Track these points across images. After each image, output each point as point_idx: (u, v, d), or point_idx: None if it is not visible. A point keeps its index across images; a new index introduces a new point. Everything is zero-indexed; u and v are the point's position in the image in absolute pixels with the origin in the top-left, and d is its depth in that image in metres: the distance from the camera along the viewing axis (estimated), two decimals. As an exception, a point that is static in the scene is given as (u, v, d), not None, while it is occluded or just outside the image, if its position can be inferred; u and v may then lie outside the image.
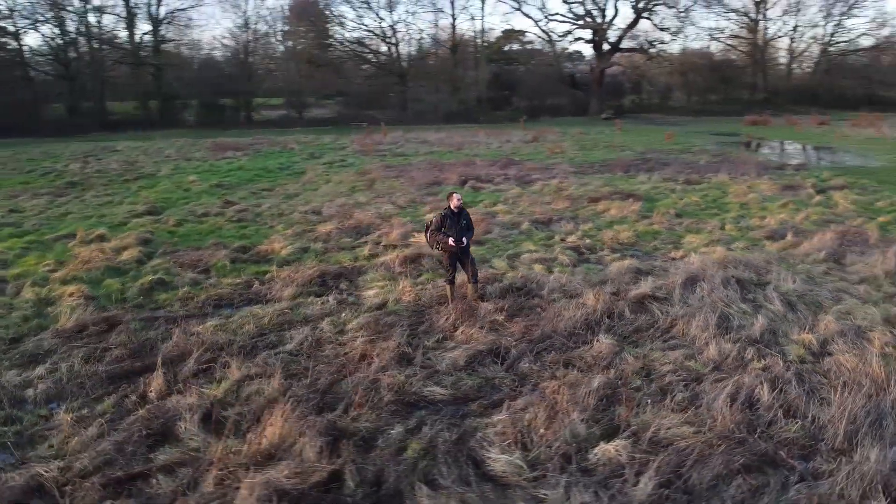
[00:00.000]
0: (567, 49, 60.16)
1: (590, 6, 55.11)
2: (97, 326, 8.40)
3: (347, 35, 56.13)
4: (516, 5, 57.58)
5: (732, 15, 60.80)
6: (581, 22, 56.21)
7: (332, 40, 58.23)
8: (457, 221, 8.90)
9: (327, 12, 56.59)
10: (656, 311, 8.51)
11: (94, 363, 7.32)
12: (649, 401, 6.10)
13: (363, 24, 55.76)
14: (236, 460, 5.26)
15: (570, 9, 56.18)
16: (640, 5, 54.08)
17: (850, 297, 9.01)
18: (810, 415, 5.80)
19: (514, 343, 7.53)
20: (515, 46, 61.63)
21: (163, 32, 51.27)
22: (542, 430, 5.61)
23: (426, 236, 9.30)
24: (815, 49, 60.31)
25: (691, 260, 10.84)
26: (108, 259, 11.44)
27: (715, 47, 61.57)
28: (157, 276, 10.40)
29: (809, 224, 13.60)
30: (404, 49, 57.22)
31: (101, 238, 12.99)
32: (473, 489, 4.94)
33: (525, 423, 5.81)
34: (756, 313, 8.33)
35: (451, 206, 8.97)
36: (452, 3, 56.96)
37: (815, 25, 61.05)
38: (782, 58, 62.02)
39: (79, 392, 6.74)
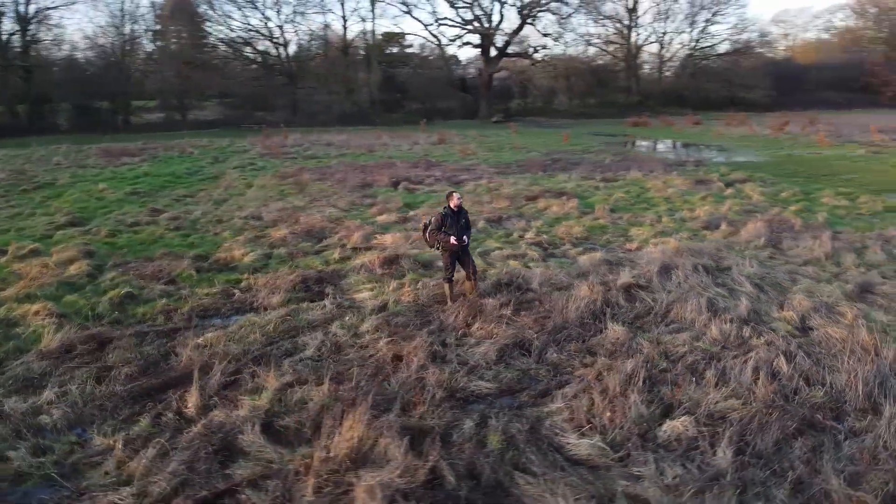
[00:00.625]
0: (456, 54, 61.19)
1: (477, 12, 56.51)
2: (86, 345, 7.80)
3: (231, 34, 54.01)
4: (405, 8, 57.89)
5: (608, 22, 64.54)
6: (469, 27, 57.51)
7: (213, 40, 55.97)
8: (457, 220, 9.04)
9: (208, 11, 54.22)
10: (646, 297, 9.08)
11: (107, 383, 6.82)
12: (693, 380, 6.57)
13: (249, 24, 53.73)
14: (326, 467, 5.16)
15: (458, 13, 57.35)
16: (525, 11, 56.12)
17: (803, 278, 10.05)
18: (828, 381, 6.49)
19: (535, 335, 7.80)
20: (395, 49, 62.06)
21: (32, 32, 47.05)
22: (608, 414, 5.92)
23: (425, 236, 9.36)
24: (682, 54, 65.30)
25: (650, 250, 11.60)
26: (56, 274, 10.55)
27: (593, 52, 65.07)
28: (125, 290, 9.74)
29: (734, 214, 14.88)
30: (293, 49, 56.04)
31: (36, 252, 11.93)
32: (570, 472, 5.15)
33: (585, 409, 6.09)
34: (734, 295, 9.11)
35: (451, 205, 9.10)
36: (343, 4, 56.33)
37: (682, 32, 66.03)
38: (653, 62, 66.59)
39: (102, 414, 6.28)
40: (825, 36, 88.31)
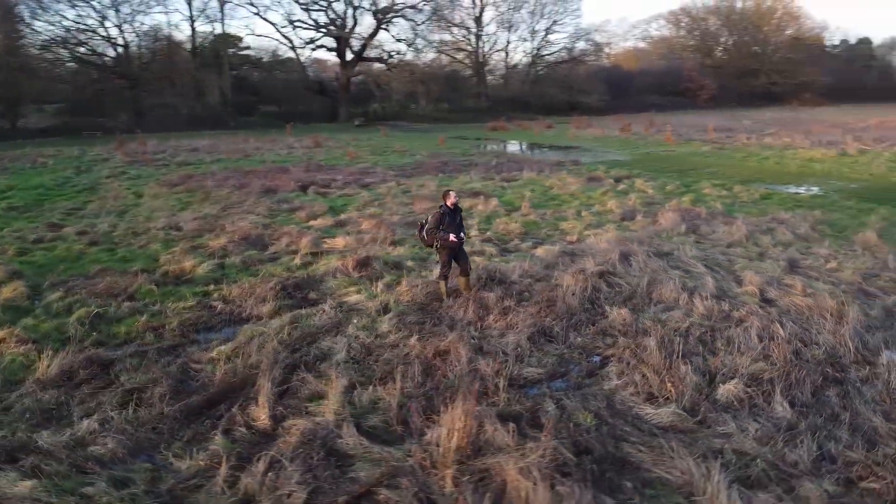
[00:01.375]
0: (313, 57, 60.26)
1: (332, 15, 56.03)
2: (88, 369, 7.13)
3: (62, 34, 49.11)
4: (255, 10, 55.97)
5: (456, 30, 66.70)
6: (324, 30, 56.87)
7: (37, 40, 50.59)
8: (454, 218, 9.27)
9: (32, 9, 48.89)
10: (621, 282, 9.87)
11: (147, 406, 6.33)
12: (721, 348, 7.37)
13: (81, 23, 49.14)
14: (451, 457, 5.27)
15: (311, 16, 56.50)
16: (380, 16, 56.55)
17: (736, 258, 11.40)
18: (819, 342, 7.56)
19: (552, 323, 8.26)
20: (247, 51, 60.01)
21: None
22: (668, 385, 6.50)
23: (421, 235, 9.48)
24: (526, 62, 69.09)
25: (593, 241, 12.52)
26: (-8, 298, 9.39)
27: (445, 59, 66.91)
28: (92, 310, 8.90)
29: (641, 206, 16.33)
30: (136, 51, 52.10)
31: (-55, 276, 10.47)
32: (666, 437, 5.66)
33: (641, 383, 6.65)
34: (693, 276, 10.17)
35: (448, 204, 9.31)
36: (190, 4, 53.13)
37: (525, 40, 69.77)
38: (500, 69, 69.84)
39: (160, 437, 5.87)
40: (642, 44, 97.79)
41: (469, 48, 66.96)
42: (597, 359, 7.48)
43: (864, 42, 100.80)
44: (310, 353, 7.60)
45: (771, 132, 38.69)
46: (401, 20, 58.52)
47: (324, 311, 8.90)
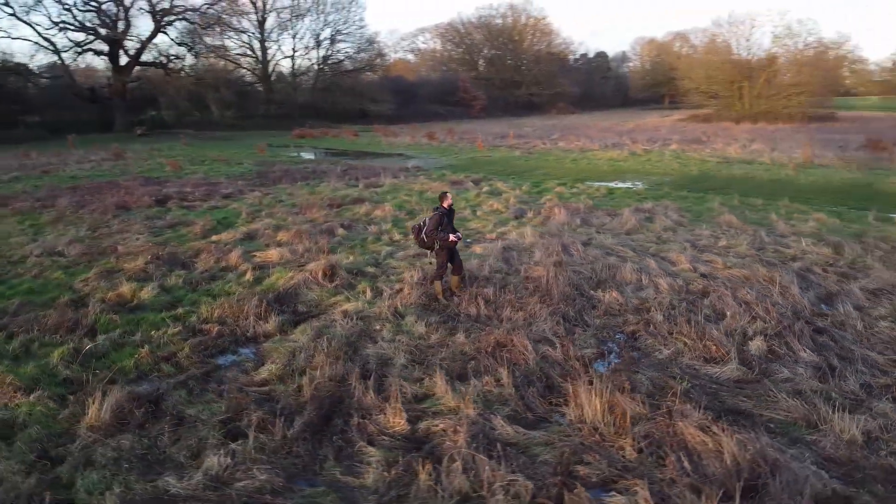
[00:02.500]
0: (76, 61, 53.78)
1: (104, 17, 50.60)
2: (142, 408, 6.34)
3: None
4: (10, 10, 48.25)
5: (240, 35, 64.01)
6: (94, 33, 51.11)
7: None
8: (451, 220, 9.56)
9: None
10: (581, 270, 10.93)
11: (268, 434, 5.89)
12: (715, 314, 8.66)
13: None
14: (612, 430, 5.78)
15: (76, 17, 50.48)
16: (159, 18, 52.37)
17: (645, 243, 13.09)
18: (780, 302, 9.21)
19: (566, 308, 9.00)
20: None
21: None
22: (713, 348, 7.59)
23: (420, 237, 9.60)
24: (314, 69, 68.56)
25: (516, 237, 13.50)
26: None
27: (231, 65, 63.80)
28: (68, 346, 7.74)
29: (521, 204, 17.69)
30: None
31: None
32: (749, 387, 6.71)
33: (687, 349, 7.67)
34: (632, 259, 11.56)
35: (445, 206, 9.57)
36: None
37: (310, 48, 69.23)
38: (288, 77, 68.40)
39: (302, 461, 5.59)
40: (410, 57, 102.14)
41: (254, 55, 64.77)
42: (621, 336, 8.37)
43: (601, 56, 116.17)
44: (367, 360, 7.49)
45: (555, 137, 43.15)
46: (181, 23, 54.73)
47: (337, 322, 8.70)
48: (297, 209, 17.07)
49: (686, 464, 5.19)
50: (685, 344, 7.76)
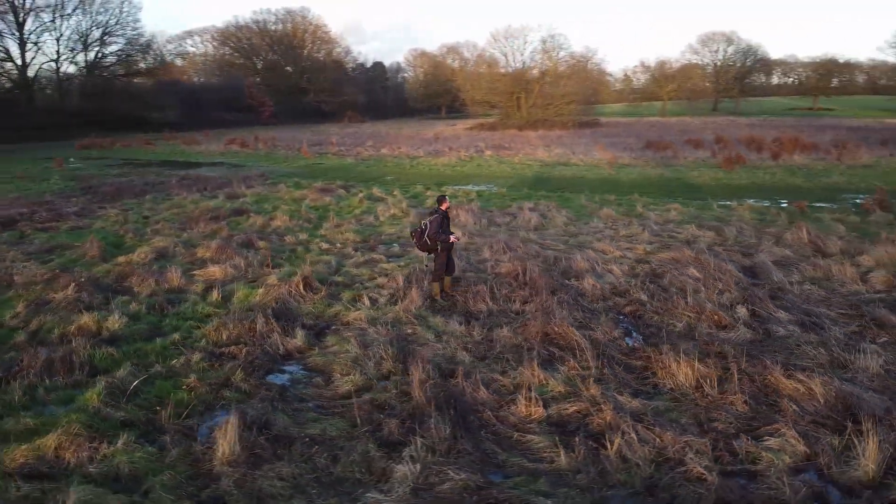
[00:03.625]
0: None
1: None
2: (263, 436, 5.91)
3: None
4: None
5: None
6: None
7: None
8: (449, 222, 9.84)
9: None
10: (538, 264, 11.82)
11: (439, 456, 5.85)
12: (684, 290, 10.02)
13: None
14: (716, 391, 6.69)
15: None
16: None
17: (562, 236, 14.38)
18: (719, 276, 10.87)
19: (567, 298, 9.76)
20: None
21: None
22: (716, 316, 8.86)
23: (423, 240, 9.70)
24: (83, 74, 61.37)
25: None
26: None
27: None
28: (97, 390, 6.77)
29: (410, 208, 18.14)
30: None
31: None
32: (769, 346, 8.05)
33: (693, 321, 8.87)
34: (569, 253, 12.72)
35: (444, 209, 9.80)
36: None
37: (79, 51, 61.89)
38: (54, 83, 60.46)
39: (483, 456, 5.74)
40: (178, 61, 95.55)
41: (11, 60, 56.25)
42: (623, 317, 9.38)
43: (379, 66, 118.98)
44: (433, 360, 7.61)
45: (370, 144, 43.77)
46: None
47: (369, 330, 8.61)
48: (182, 224, 15.78)
49: (794, 406, 6.26)
50: (690, 317, 8.97)
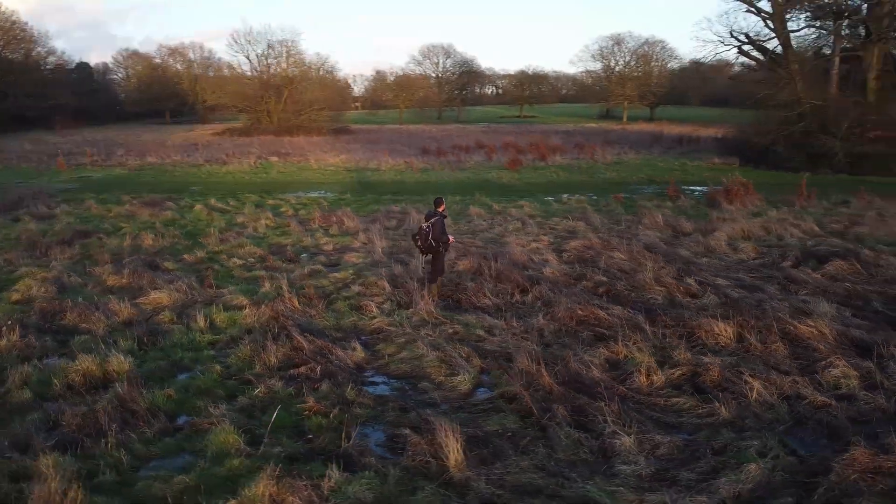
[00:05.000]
0: None
1: None
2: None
3: None
4: None
5: None
6: None
7: None
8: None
9: None
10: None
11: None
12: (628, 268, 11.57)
13: None
14: (758, 344, 8.16)
15: None
16: None
17: (467, 233, 15.20)
18: (642, 253, 12.63)
19: (555, 286, 10.62)
20: None
21: None
22: (683, 288, 10.47)
23: (429, 242, 9.76)
24: None
25: (364, 243, 14.01)
26: None
27: None
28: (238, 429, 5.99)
29: (283, 219, 17.40)
30: None
31: None
32: (734, 308, 9.87)
33: (670, 293, 10.40)
34: (496, 248, 13.61)
35: (441, 210, 9.98)
36: None
37: None
38: None
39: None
40: None
41: None
42: (605, 297, 10.55)
43: (84, 67, 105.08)
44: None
45: (122, 154, 39.45)
46: None
47: (420, 332, 8.62)
48: (29, 252, 13.26)
49: (821, 344, 7.99)
50: (667, 289, 10.46)
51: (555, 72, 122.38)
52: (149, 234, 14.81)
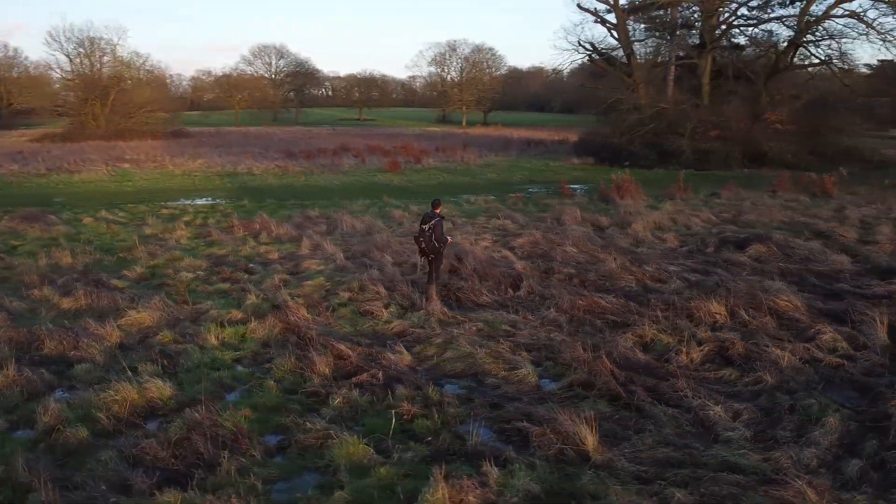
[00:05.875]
0: None
1: None
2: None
3: None
4: None
5: None
6: None
7: None
8: (438, 225, 10.18)
9: None
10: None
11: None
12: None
13: None
14: (750, 318, 9.23)
15: None
16: None
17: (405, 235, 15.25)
18: (586, 245, 13.51)
19: (535, 280, 11.09)
20: None
21: None
22: (650, 276, 11.43)
23: (432, 243, 9.78)
24: None
25: (331, 250, 13.61)
26: None
27: None
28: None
29: (198, 229, 16.31)
30: None
31: None
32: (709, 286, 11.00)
33: (639, 280, 11.30)
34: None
35: (439, 212, 10.05)
36: None
37: None
38: None
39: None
40: None
41: None
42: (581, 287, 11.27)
43: None
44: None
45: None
46: None
47: (454, 333, 8.71)
48: None
49: (799, 315, 9.21)
50: (635, 277, 11.34)
51: (383, 76, 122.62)
52: (60, 251, 13.23)
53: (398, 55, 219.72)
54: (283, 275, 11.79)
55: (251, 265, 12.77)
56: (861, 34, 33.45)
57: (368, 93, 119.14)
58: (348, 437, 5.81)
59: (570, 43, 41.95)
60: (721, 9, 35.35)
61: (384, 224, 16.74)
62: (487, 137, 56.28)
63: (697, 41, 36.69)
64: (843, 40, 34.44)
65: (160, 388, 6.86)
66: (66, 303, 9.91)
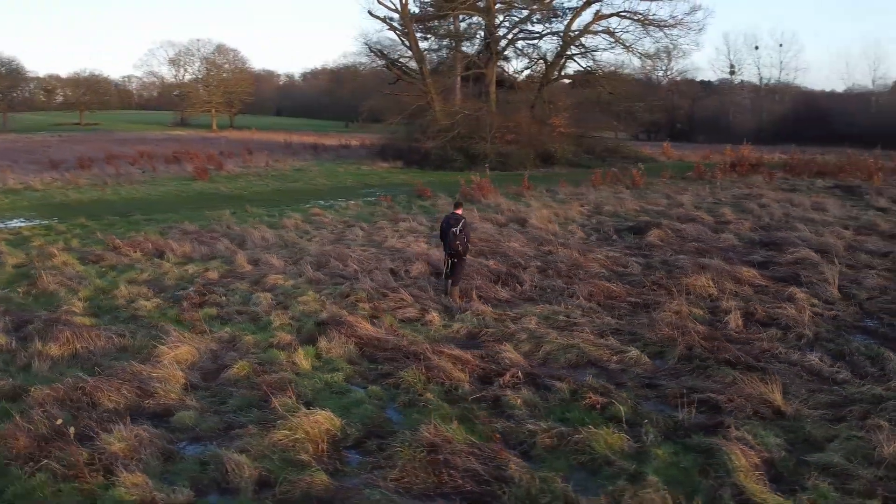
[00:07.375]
0: None
1: None
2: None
3: None
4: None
5: None
6: None
7: None
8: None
9: None
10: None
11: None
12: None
13: None
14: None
15: None
16: None
17: (326, 244, 14.61)
18: (525, 244, 14.31)
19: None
20: None
21: None
22: (610, 266, 12.62)
23: (456, 244, 9.78)
24: None
25: (254, 265, 12.53)
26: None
27: None
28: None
29: (77, 254, 13.74)
30: None
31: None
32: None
33: (604, 268, 12.44)
34: (389, 251, 13.64)
35: (461, 214, 10.04)
36: None
37: None
38: None
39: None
40: None
41: None
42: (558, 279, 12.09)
43: None
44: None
45: None
46: None
47: (514, 332, 8.91)
48: None
49: (766, 283, 11.07)
50: (599, 264, 12.42)
51: (106, 77, 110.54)
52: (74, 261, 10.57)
53: (125, 54, 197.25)
54: (263, 293, 10.73)
55: (214, 287, 11.30)
56: (610, 46, 39.44)
57: (95, 95, 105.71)
58: (597, 430, 5.93)
59: (368, 46, 42.24)
60: (502, 23, 38.77)
61: (296, 235, 15.81)
62: (260, 142, 53.25)
63: (486, 51, 39.65)
64: (596, 53, 40.32)
65: (330, 420, 6.16)
66: (54, 349, 8.00)
